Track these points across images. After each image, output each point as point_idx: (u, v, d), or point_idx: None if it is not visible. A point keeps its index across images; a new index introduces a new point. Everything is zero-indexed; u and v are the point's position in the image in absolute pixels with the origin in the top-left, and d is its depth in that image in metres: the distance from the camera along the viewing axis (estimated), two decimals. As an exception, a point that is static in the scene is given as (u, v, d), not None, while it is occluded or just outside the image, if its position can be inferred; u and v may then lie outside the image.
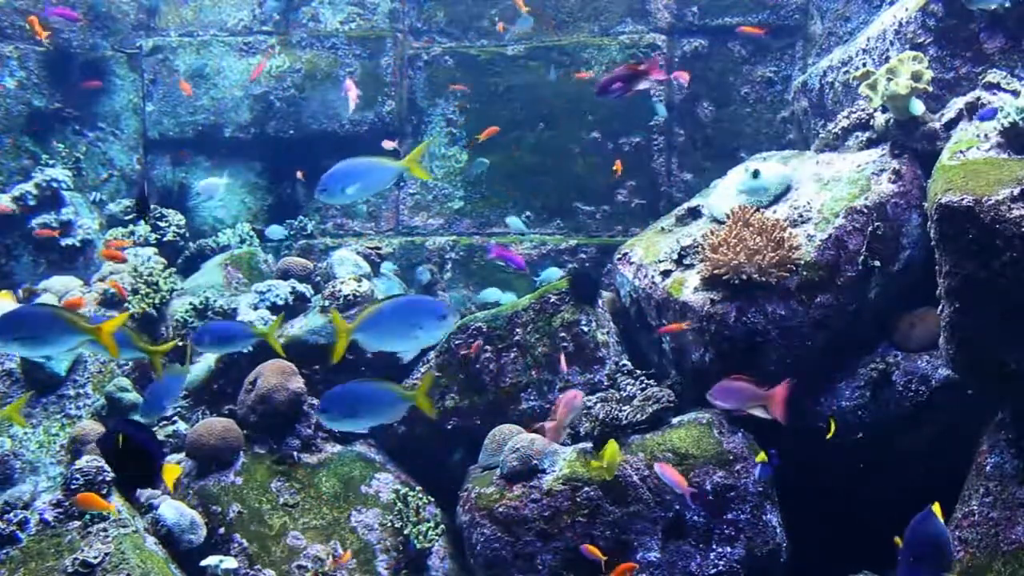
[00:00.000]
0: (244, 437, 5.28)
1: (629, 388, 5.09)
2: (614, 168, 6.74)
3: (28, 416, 5.34)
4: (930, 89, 4.91)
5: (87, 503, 4.38)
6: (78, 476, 4.70)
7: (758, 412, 4.07)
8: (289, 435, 5.41)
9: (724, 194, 5.39)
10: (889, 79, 4.96)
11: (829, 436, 4.49)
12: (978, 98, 4.75)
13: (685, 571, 4.57)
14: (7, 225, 6.87)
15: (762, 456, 4.42)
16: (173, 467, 3.52)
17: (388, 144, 6.95)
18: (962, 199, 3.74)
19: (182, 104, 7.62)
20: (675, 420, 4.88)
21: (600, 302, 5.62)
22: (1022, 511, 3.90)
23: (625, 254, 5.57)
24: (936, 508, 3.10)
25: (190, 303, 6.03)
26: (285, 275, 6.27)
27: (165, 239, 7.09)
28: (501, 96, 7.45)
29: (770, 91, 7.30)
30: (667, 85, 7.31)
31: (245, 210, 7.65)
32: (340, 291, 5.85)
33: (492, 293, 6.49)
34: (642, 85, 4.40)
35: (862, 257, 4.75)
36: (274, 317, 5.82)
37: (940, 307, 4.03)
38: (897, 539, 3.25)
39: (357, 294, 5.87)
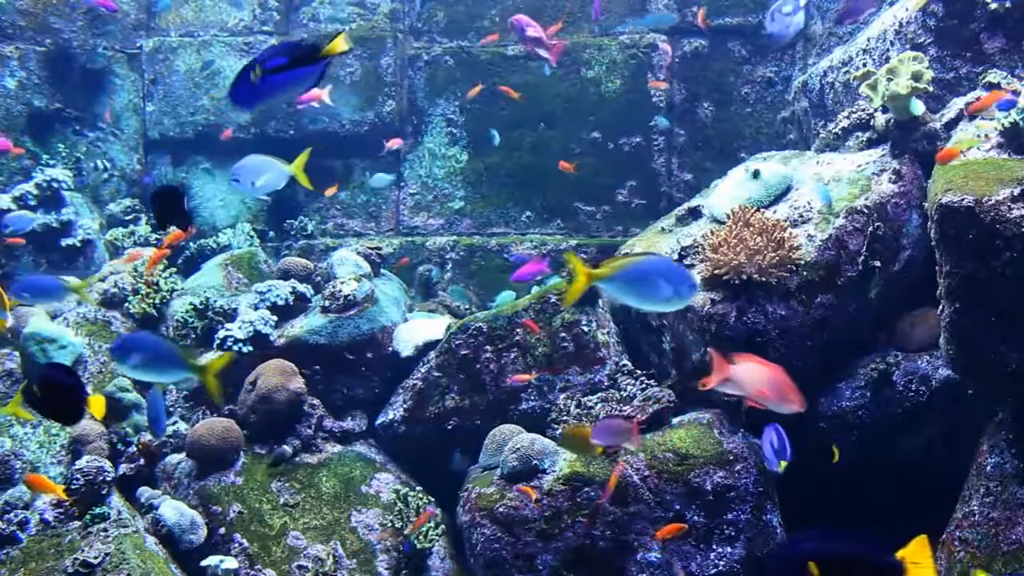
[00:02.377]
0: (244, 437, 5.29)
1: (629, 388, 5.10)
2: (567, 167, 6.79)
3: (28, 416, 5.35)
4: (930, 89, 4.91)
5: (35, 485, 4.48)
6: (78, 476, 4.71)
7: (630, 445, 4.52)
8: (289, 435, 5.41)
9: (724, 194, 5.39)
10: (889, 79, 4.96)
11: (835, 461, 4.49)
12: (978, 98, 4.75)
13: (685, 571, 4.57)
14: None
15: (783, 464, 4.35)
16: (98, 398, 3.60)
17: (394, 143, 7.08)
18: (962, 199, 3.74)
19: (182, 104, 7.62)
20: (675, 420, 4.88)
21: (600, 302, 5.62)
22: (1022, 511, 3.90)
23: (625, 254, 5.57)
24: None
25: (191, 303, 6.03)
26: (285, 275, 6.27)
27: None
28: (501, 96, 7.46)
29: (770, 91, 7.30)
30: (667, 86, 7.31)
31: (245, 210, 7.65)
32: (340, 291, 5.85)
33: (507, 296, 6.48)
34: (540, 51, 4.90)
35: (862, 257, 4.75)
36: (275, 317, 5.82)
37: (940, 307, 4.03)
38: None
39: (357, 294, 5.87)
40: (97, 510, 4.65)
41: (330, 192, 7.25)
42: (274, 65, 2.81)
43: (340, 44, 2.83)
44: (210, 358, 4.76)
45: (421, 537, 5.06)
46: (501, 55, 7.48)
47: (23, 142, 7.30)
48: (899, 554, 2.33)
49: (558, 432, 5.08)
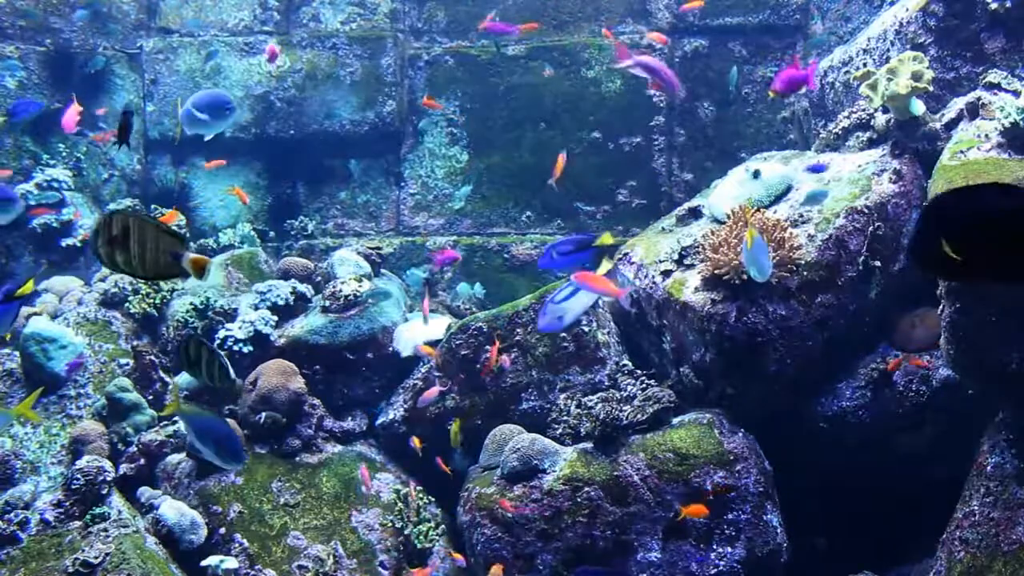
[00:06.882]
0: (245, 437, 5.29)
1: (630, 388, 5.10)
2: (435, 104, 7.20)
3: (28, 417, 5.35)
4: (931, 89, 4.91)
5: None
6: (79, 476, 4.71)
7: None
8: (289, 435, 5.41)
9: (725, 194, 5.38)
10: (889, 79, 4.96)
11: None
12: (979, 98, 4.75)
13: (686, 571, 4.57)
14: (7, 225, 6.87)
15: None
16: None
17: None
18: (962, 199, 3.74)
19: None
20: (675, 420, 4.88)
21: (601, 302, 5.61)
22: (1023, 511, 3.90)
23: (626, 254, 5.57)
24: None
25: (191, 303, 6.03)
26: (286, 275, 6.27)
27: (166, 239, 7.07)
28: (501, 96, 7.45)
29: (771, 91, 7.29)
30: (667, 40, 7.27)
31: (245, 210, 7.64)
32: (340, 291, 5.85)
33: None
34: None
35: (863, 257, 4.75)
36: (275, 317, 5.82)
37: (940, 307, 4.03)
38: None
39: (358, 294, 5.87)
40: (97, 510, 4.65)
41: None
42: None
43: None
44: None
45: (421, 537, 5.06)
46: (501, 55, 7.47)
47: (23, 142, 7.29)
48: None
49: (559, 432, 5.09)
